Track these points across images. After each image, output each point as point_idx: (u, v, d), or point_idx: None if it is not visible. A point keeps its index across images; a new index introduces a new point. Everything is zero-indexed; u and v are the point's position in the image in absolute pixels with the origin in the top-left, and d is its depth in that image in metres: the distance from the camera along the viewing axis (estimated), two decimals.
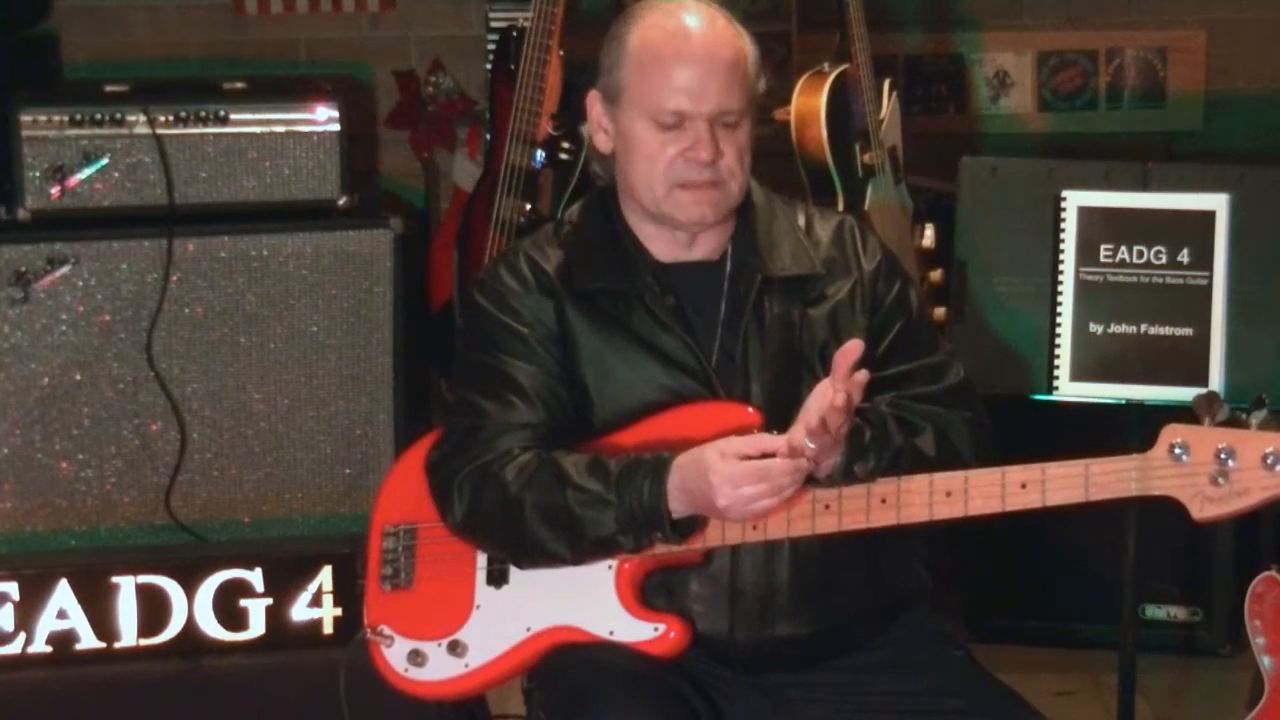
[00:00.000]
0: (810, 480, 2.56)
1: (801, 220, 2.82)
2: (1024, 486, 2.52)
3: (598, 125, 2.78)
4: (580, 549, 2.63)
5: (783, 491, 2.51)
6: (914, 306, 2.80)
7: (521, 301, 2.75)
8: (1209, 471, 2.42)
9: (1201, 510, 2.44)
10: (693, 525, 2.59)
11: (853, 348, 2.49)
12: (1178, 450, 2.43)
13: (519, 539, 2.66)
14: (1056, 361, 3.47)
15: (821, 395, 2.51)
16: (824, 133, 4.44)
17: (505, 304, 2.75)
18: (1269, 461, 2.40)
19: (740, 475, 2.51)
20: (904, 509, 2.56)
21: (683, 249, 2.77)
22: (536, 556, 2.67)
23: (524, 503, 2.62)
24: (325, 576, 3.56)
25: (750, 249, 2.76)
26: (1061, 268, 3.48)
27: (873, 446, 2.57)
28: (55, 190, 3.92)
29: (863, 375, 2.48)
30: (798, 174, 4.49)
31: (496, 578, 2.74)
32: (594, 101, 2.78)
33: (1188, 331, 3.43)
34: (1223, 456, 2.41)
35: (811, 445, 2.49)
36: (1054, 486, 2.50)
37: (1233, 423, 2.44)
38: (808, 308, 2.74)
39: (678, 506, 2.57)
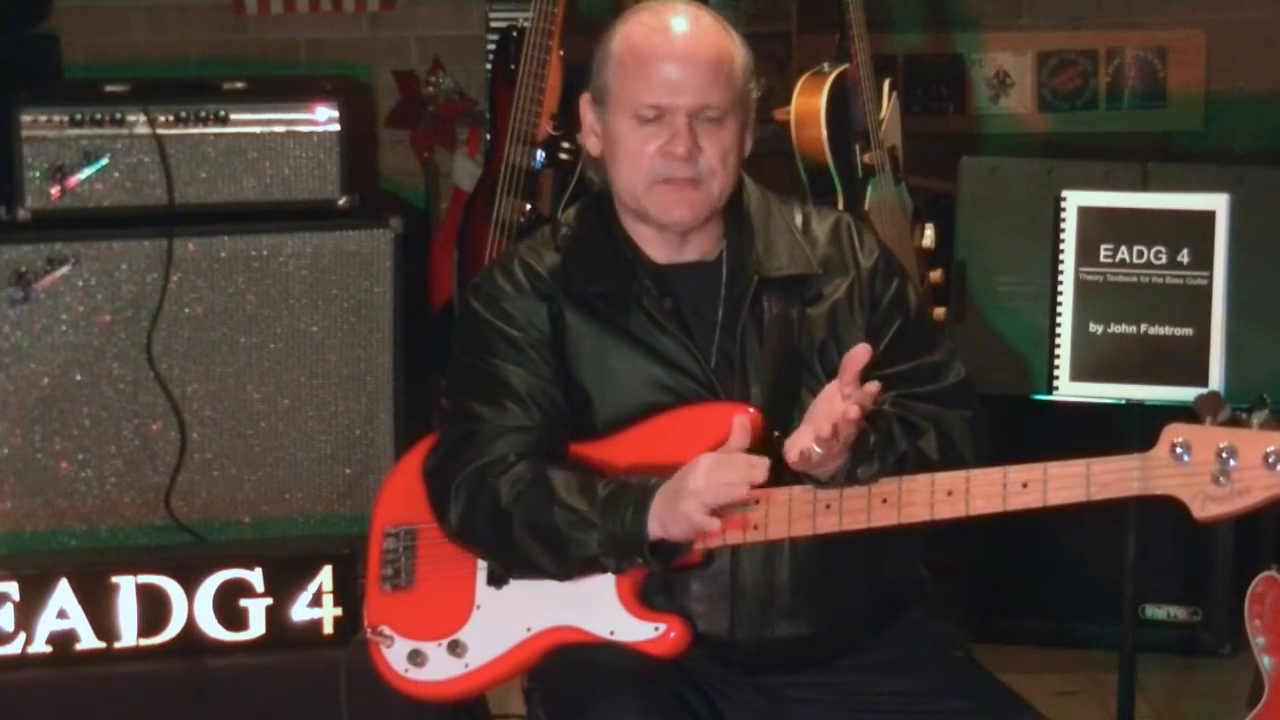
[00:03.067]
0: (813, 482, 2.57)
1: (798, 219, 2.82)
2: (1025, 486, 2.51)
3: (589, 130, 2.78)
4: (567, 566, 2.63)
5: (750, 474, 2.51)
6: (912, 304, 2.80)
7: (515, 305, 2.75)
8: (1211, 471, 2.42)
9: (1203, 509, 2.44)
10: (674, 552, 2.59)
11: (860, 353, 2.50)
12: (1179, 450, 2.43)
13: (509, 551, 2.66)
14: (1056, 361, 3.47)
15: (829, 399, 2.52)
16: (824, 133, 4.44)
17: (499, 308, 2.75)
18: (1270, 461, 2.40)
19: (714, 461, 2.53)
20: (905, 509, 2.56)
21: (678, 251, 2.77)
22: (525, 569, 2.68)
23: (514, 517, 2.63)
24: (325, 576, 3.56)
25: (746, 249, 2.76)
26: (1061, 268, 3.48)
27: (877, 450, 2.56)
28: (55, 190, 3.92)
29: (874, 386, 2.49)
30: (798, 174, 4.49)
31: (497, 578, 2.74)
32: (585, 105, 2.79)
33: (1188, 331, 3.43)
34: (1224, 456, 2.41)
35: (819, 450, 2.49)
36: (1055, 486, 2.50)
37: (1234, 422, 2.44)
38: (806, 307, 2.74)
39: (658, 530, 2.56)
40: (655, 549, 2.57)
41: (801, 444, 2.50)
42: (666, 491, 2.56)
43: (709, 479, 2.52)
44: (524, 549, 2.63)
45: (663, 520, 2.56)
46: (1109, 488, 2.49)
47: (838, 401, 2.51)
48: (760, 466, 2.52)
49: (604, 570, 2.63)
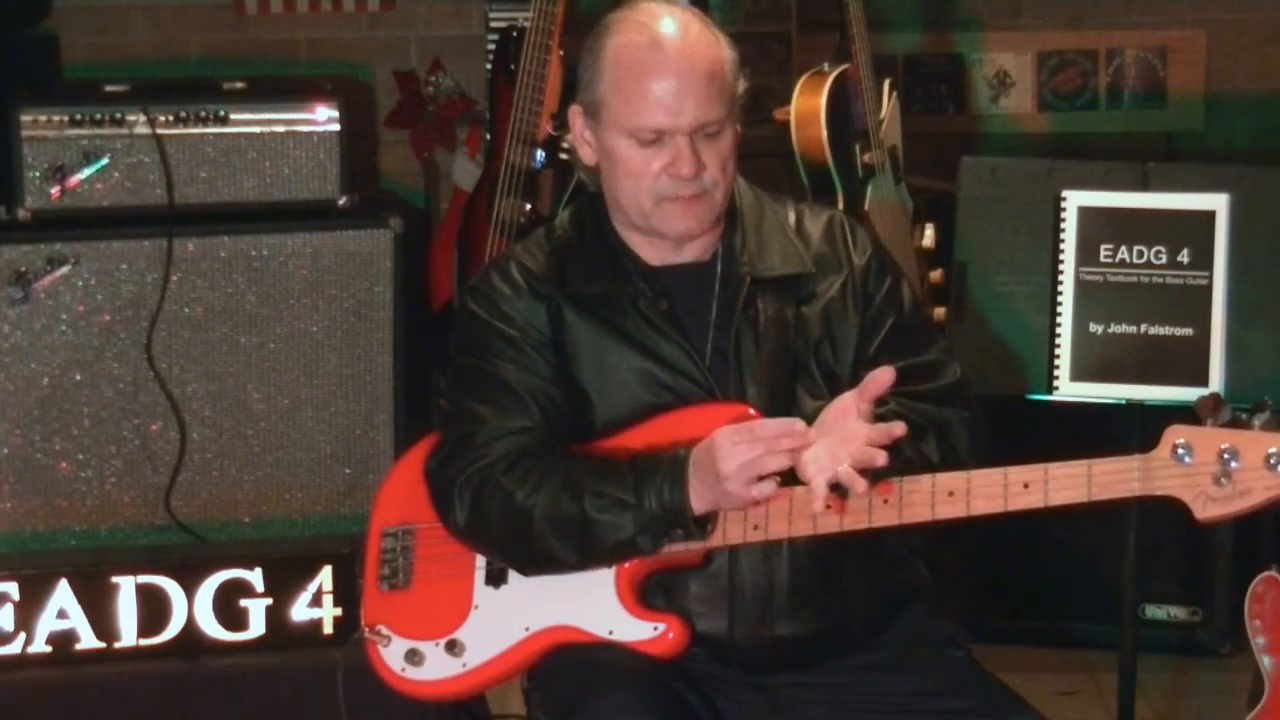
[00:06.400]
0: None
1: (791, 218, 2.82)
2: (1026, 487, 2.51)
3: (581, 139, 2.77)
4: (590, 555, 2.62)
5: (779, 452, 2.50)
6: (905, 301, 2.79)
7: (513, 306, 2.74)
8: (1212, 472, 2.42)
9: (1204, 510, 2.44)
10: (709, 521, 2.60)
11: (883, 375, 2.51)
12: (1180, 451, 2.43)
13: (525, 547, 2.65)
14: (1056, 361, 3.47)
15: (843, 412, 2.53)
16: (824, 133, 4.44)
17: (497, 309, 2.75)
18: (1272, 462, 2.40)
19: (742, 435, 2.51)
20: (906, 509, 2.56)
21: (673, 253, 2.77)
22: (542, 564, 2.67)
23: (533, 511, 2.62)
24: (325, 576, 3.56)
25: (739, 250, 2.76)
26: (1061, 268, 3.48)
27: None
28: (55, 190, 3.92)
29: (900, 429, 2.50)
30: (798, 174, 4.49)
31: (495, 577, 2.74)
32: (575, 115, 2.76)
33: (1188, 331, 3.43)
34: (1226, 457, 2.41)
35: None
36: (1056, 486, 2.50)
37: (1235, 424, 2.44)
38: (801, 306, 2.74)
39: (696, 502, 2.56)
40: (696, 520, 2.57)
41: (821, 491, 2.50)
42: (699, 468, 2.55)
43: (742, 452, 2.50)
44: (543, 543, 2.62)
45: (712, 500, 2.55)
46: (1110, 488, 2.49)
47: (852, 415, 2.52)
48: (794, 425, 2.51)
49: (638, 552, 2.61)
